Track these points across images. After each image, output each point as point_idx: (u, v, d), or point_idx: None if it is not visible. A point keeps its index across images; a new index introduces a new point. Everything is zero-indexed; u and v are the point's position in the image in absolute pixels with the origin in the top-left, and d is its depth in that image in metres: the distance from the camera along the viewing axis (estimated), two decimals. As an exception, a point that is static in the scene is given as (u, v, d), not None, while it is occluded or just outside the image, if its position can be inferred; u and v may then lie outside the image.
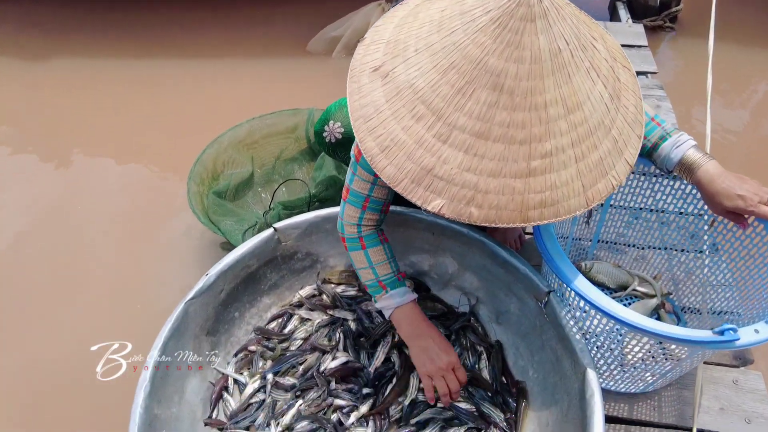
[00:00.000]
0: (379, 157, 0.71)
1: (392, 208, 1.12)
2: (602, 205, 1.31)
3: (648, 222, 1.31)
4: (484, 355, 1.14)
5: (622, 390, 1.17)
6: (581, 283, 0.90)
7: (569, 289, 0.90)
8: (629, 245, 1.39)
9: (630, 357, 1.04)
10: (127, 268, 1.74)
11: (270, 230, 1.15)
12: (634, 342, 0.99)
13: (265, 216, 1.47)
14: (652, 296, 1.32)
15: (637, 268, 1.40)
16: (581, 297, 0.89)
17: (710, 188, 0.91)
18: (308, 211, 1.26)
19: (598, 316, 0.96)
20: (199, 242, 1.75)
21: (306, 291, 1.26)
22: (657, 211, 1.26)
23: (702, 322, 1.22)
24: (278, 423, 1.05)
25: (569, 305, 1.00)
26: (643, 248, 1.37)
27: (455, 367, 0.98)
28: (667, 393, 1.18)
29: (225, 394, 1.10)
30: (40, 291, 1.68)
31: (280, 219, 1.20)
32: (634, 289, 1.34)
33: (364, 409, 1.05)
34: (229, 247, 1.45)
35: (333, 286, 1.25)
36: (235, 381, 1.12)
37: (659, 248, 1.34)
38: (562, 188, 0.70)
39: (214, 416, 1.07)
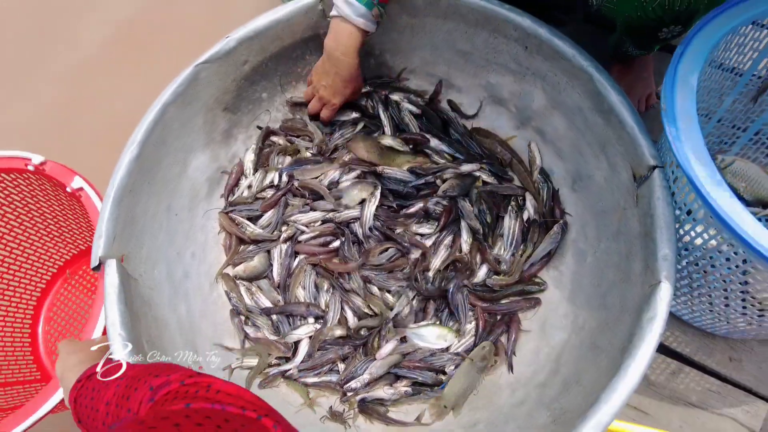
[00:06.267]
0: None
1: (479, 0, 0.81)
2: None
3: None
4: (537, 231, 0.90)
5: (696, 324, 0.89)
6: (707, 174, 0.57)
7: (686, 176, 0.58)
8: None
9: (733, 297, 0.73)
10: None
11: (313, -4, 0.89)
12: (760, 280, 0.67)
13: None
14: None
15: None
16: (701, 196, 0.57)
17: None
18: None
19: (713, 231, 0.65)
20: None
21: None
22: None
23: None
24: (286, 225, 0.95)
25: (675, 198, 0.69)
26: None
27: (334, 107, 0.95)
28: (762, 349, 0.88)
29: (241, 181, 0.99)
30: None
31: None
32: (778, 211, 0.92)
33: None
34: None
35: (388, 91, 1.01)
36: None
37: None
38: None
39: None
